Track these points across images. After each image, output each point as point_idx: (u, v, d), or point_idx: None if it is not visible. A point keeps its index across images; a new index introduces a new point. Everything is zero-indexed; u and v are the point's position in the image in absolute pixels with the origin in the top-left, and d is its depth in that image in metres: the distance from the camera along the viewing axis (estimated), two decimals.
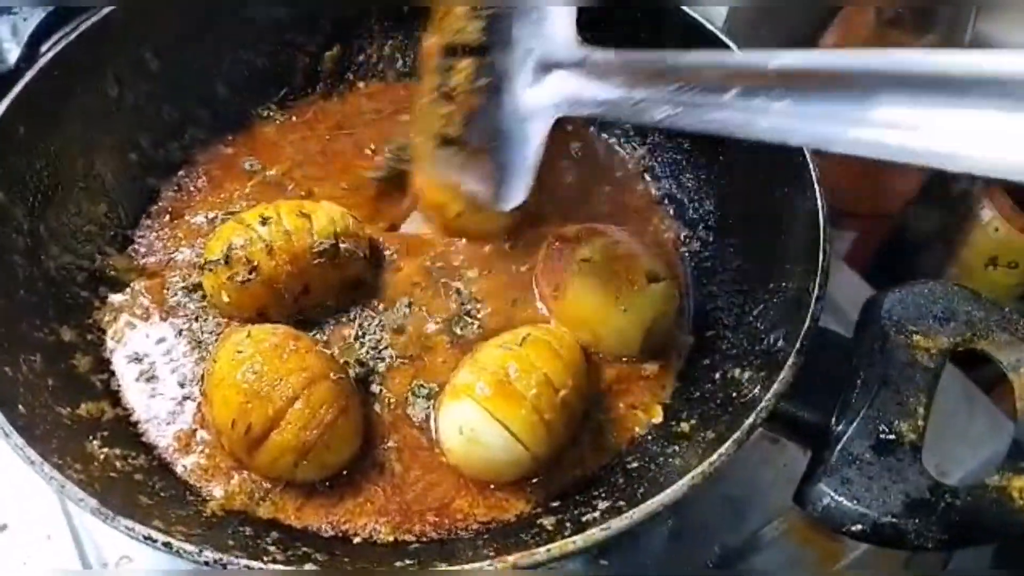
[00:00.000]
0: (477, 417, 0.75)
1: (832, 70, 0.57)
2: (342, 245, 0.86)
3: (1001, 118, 0.48)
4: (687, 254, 0.98)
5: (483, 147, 0.86)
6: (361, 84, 1.14)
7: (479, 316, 0.90)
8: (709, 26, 0.94)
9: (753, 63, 0.62)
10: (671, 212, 1.02)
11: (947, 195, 1.27)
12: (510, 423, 0.74)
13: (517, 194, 0.86)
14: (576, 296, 0.85)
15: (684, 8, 0.96)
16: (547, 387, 0.76)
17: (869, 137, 0.54)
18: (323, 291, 0.88)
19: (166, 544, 0.59)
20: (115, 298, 0.90)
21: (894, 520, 0.66)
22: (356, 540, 0.76)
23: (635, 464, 0.81)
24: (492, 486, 0.79)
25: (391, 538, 0.76)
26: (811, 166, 0.81)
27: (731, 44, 0.92)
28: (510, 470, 0.77)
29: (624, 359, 0.87)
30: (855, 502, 0.67)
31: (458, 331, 0.88)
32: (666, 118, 0.67)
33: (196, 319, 0.88)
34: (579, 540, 0.62)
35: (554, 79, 0.79)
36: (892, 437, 0.70)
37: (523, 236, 0.96)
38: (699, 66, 0.66)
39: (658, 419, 0.84)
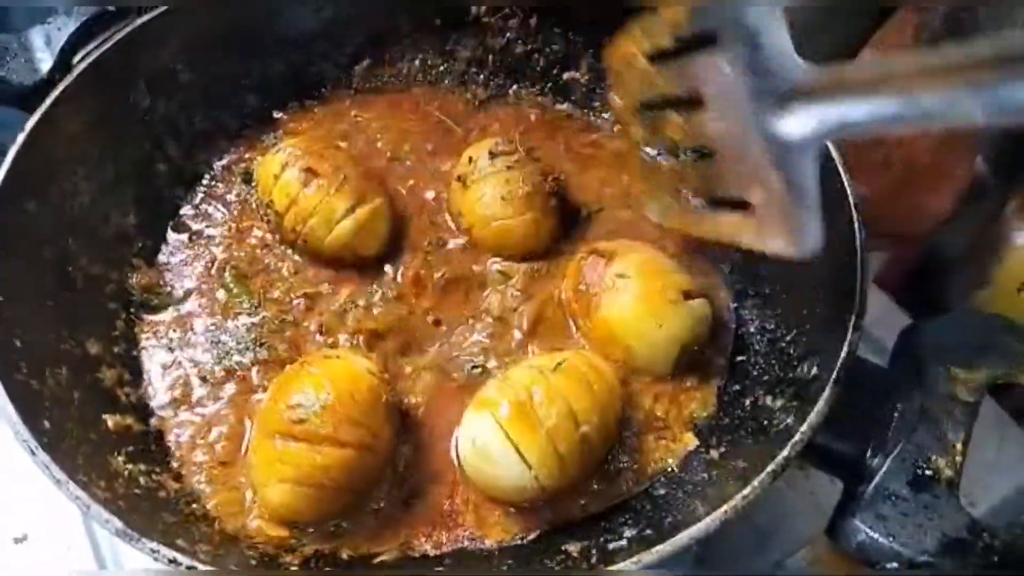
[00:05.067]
0: (492, 434, 0.74)
1: None
2: None
3: None
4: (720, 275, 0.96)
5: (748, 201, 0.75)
6: (391, 93, 1.12)
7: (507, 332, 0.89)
8: None
9: None
10: None
11: (979, 217, 1.25)
12: (522, 447, 0.73)
13: (813, 237, 0.72)
14: (610, 311, 0.84)
15: None
16: (568, 419, 0.74)
17: None
18: None
19: (190, 568, 0.59)
20: (143, 312, 0.89)
21: (930, 559, 0.65)
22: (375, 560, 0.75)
23: (662, 491, 0.79)
24: (511, 507, 0.78)
25: (415, 555, 0.76)
26: (849, 191, 0.80)
27: None
28: (515, 493, 0.75)
29: (655, 379, 0.86)
30: (891, 539, 0.66)
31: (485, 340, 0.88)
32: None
33: (224, 333, 0.88)
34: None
35: (804, 106, 0.66)
36: (929, 473, 0.68)
37: (554, 251, 0.95)
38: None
39: (690, 445, 0.82)
